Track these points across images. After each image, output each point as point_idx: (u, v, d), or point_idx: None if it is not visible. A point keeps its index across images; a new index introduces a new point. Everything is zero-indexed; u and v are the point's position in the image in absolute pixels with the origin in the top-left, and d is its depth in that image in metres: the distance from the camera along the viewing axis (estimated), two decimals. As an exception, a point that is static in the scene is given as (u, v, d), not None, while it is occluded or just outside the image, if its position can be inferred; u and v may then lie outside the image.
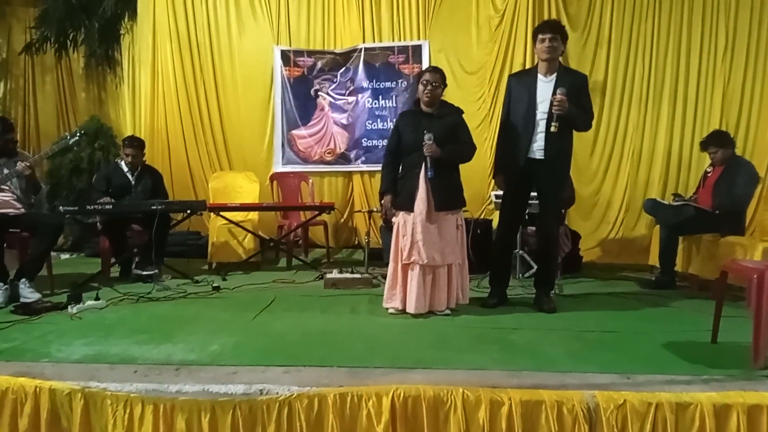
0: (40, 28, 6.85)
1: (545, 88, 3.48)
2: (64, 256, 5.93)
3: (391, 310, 3.49)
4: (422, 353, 2.67)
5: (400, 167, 3.60)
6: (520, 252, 4.55)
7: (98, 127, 6.41)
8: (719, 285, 2.85)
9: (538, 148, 3.52)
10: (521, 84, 3.61)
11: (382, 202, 3.69)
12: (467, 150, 3.57)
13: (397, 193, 3.56)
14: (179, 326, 3.12)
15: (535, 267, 4.45)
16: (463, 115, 3.61)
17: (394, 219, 3.62)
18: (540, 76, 3.53)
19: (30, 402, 2.23)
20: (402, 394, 2.18)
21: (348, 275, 4.32)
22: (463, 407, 2.16)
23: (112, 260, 4.65)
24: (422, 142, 3.37)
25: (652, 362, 2.57)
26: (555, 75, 3.49)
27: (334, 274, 4.33)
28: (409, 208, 3.45)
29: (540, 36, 3.48)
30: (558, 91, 3.35)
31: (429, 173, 3.39)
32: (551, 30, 3.46)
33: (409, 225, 3.43)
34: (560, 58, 3.62)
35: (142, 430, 2.20)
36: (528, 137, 3.52)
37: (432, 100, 3.50)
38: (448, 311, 3.45)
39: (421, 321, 3.32)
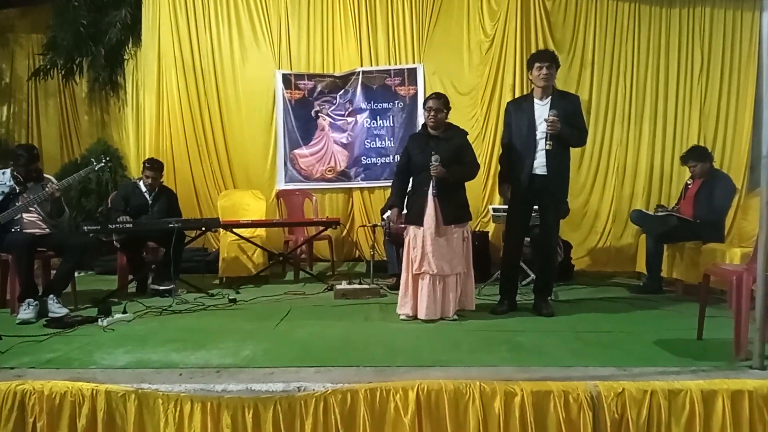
0: (48, 55, 7.06)
1: (542, 110, 3.83)
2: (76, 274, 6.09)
3: (402, 317, 3.75)
4: (438, 354, 2.93)
5: (410, 185, 3.93)
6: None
7: (105, 148, 6.63)
8: (703, 287, 3.15)
9: (539, 164, 3.85)
10: (519, 109, 3.96)
11: (388, 214, 3.99)
12: (471, 169, 3.90)
13: (404, 208, 3.88)
14: (208, 336, 3.35)
15: (532, 275, 4.75)
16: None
17: (404, 233, 3.90)
18: (536, 101, 3.89)
19: (87, 404, 2.44)
20: (426, 388, 2.43)
21: (357, 286, 4.58)
22: (481, 398, 2.42)
23: (130, 277, 4.85)
24: (429, 163, 3.67)
25: (646, 357, 2.86)
26: (549, 98, 3.83)
27: (344, 285, 4.58)
28: (419, 222, 3.74)
29: (537, 64, 3.81)
30: (550, 113, 3.70)
31: (434, 191, 3.69)
32: (549, 59, 3.82)
33: (419, 238, 3.72)
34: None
35: (192, 426, 2.42)
36: (531, 155, 3.85)
37: (436, 124, 3.82)
38: (455, 317, 3.72)
39: (433, 326, 3.58)
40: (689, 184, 4.87)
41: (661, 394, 2.41)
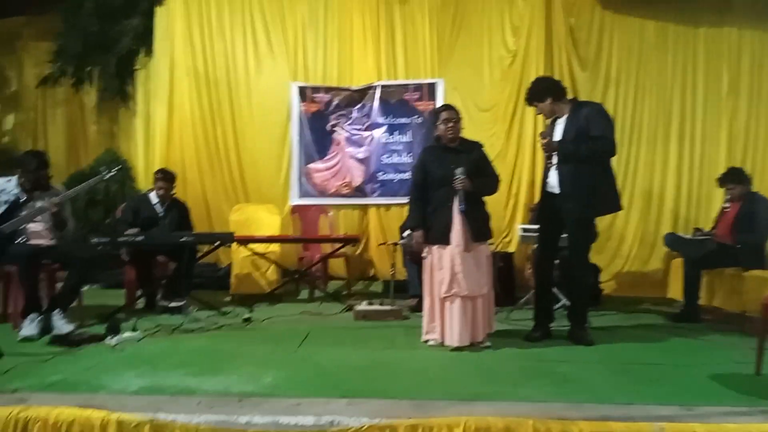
0: (57, 63, 6.91)
1: (559, 129, 3.69)
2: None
3: (431, 342, 3.51)
4: (478, 386, 2.69)
5: (429, 201, 3.64)
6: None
7: (114, 159, 6.43)
8: (763, 318, 2.92)
9: (552, 182, 3.68)
10: (547, 132, 3.80)
11: (413, 236, 3.71)
12: (494, 182, 3.70)
13: (428, 227, 3.60)
14: (225, 359, 3.11)
15: (563, 299, 4.51)
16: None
17: (424, 253, 3.66)
18: (558, 120, 3.75)
19: (96, 435, 2.21)
20: (473, 426, 2.19)
21: (378, 307, 4.34)
22: (534, 438, 2.18)
23: (138, 292, 4.62)
24: (451, 176, 3.45)
25: (705, 394, 2.61)
26: (566, 115, 3.67)
27: (364, 306, 4.34)
28: (444, 241, 3.49)
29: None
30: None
31: (461, 207, 3.46)
32: (527, 102, 3.82)
33: (447, 258, 3.47)
34: (572, 95, 3.94)
35: (212, 462, 2.18)
36: (547, 173, 3.72)
37: (455, 136, 3.61)
38: (488, 343, 3.48)
39: (464, 354, 3.33)
40: (726, 208, 4.65)
41: (735, 438, 2.17)
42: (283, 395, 2.51)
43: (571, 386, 2.72)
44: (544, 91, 3.72)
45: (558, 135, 3.67)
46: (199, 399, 2.44)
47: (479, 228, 3.53)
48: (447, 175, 3.48)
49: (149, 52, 6.85)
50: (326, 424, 2.22)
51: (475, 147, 3.70)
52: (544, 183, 3.79)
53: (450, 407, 2.38)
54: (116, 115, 7.31)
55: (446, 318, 3.47)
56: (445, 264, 3.48)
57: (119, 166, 4.75)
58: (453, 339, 3.39)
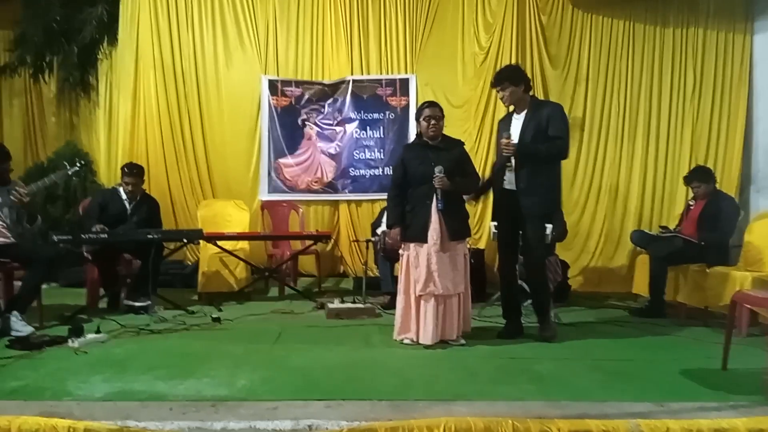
0: (16, 51, 6.61)
1: (516, 125, 3.69)
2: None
3: (406, 341, 3.49)
4: (456, 386, 2.69)
5: (408, 199, 3.61)
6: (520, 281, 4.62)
7: (75, 152, 6.18)
8: (730, 314, 2.99)
9: (509, 180, 3.69)
10: (503, 124, 3.83)
11: (383, 229, 3.71)
12: (474, 181, 3.71)
13: (406, 225, 3.58)
14: (195, 360, 3.03)
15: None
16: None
17: (401, 251, 3.63)
18: (514, 115, 3.75)
19: (63, 444, 2.11)
20: (453, 427, 2.18)
21: (350, 305, 4.30)
22: (514, 438, 2.18)
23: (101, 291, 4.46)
24: (430, 174, 3.44)
25: (677, 390, 2.67)
26: (525, 112, 3.68)
27: (337, 305, 4.29)
28: (421, 239, 3.48)
29: (494, 89, 3.78)
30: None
31: (439, 205, 3.44)
32: (496, 83, 3.71)
33: (423, 256, 3.46)
34: (535, 94, 3.95)
35: (186, 470, 2.11)
36: (503, 170, 3.70)
37: (437, 133, 3.59)
38: (463, 341, 3.48)
39: (441, 352, 3.33)
40: (691, 205, 4.76)
41: (708, 434, 2.21)
42: (259, 399, 2.46)
43: (547, 384, 2.74)
44: (521, 77, 3.70)
45: (515, 131, 3.66)
46: (171, 405, 2.36)
47: (457, 227, 3.52)
48: (427, 173, 3.46)
49: (113, 41, 6.61)
50: (304, 429, 2.17)
51: (457, 145, 3.69)
52: (500, 181, 3.74)
53: (430, 408, 2.37)
54: (77, 107, 7.02)
55: (421, 316, 3.46)
56: (422, 262, 3.46)
57: (83, 162, 4.53)
58: (426, 337, 3.39)
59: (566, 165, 6.27)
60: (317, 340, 3.58)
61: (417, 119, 3.68)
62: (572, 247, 6.21)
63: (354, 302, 4.37)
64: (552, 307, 4.52)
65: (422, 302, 3.46)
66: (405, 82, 6.33)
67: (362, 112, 6.36)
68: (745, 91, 6.14)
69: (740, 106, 6.15)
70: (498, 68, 6.06)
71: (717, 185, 4.81)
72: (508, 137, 3.59)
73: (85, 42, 6.53)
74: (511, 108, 3.79)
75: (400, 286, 3.59)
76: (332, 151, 6.38)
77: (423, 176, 3.49)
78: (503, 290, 3.90)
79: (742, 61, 6.17)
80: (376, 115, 6.37)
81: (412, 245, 3.53)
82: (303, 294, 5.10)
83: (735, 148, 6.15)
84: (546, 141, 3.59)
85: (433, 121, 3.55)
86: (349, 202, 6.42)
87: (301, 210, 6.02)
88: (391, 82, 6.34)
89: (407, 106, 6.31)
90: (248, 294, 5.07)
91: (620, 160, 6.29)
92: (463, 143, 3.75)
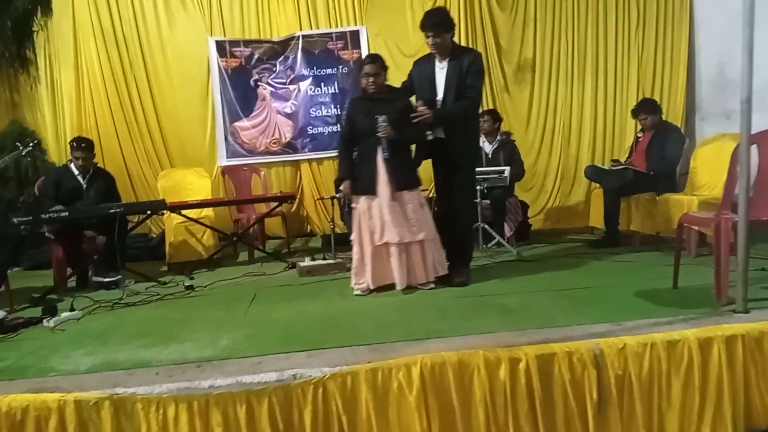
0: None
1: (441, 73, 3.68)
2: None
3: (357, 291, 3.59)
4: (431, 325, 2.82)
5: (356, 153, 3.69)
6: (481, 224, 4.78)
7: (21, 131, 5.95)
8: (678, 236, 3.20)
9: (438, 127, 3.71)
10: (422, 70, 3.78)
11: (341, 188, 3.78)
12: (418, 131, 3.68)
13: (355, 178, 3.65)
14: (176, 327, 3.07)
15: (497, 237, 4.74)
16: None
17: (354, 204, 3.71)
18: (437, 63, 3.72)
19: (55, 417, 2.16)
20: (429, 363, 2.32)
21: (321, 262, 4.38)
22: (486, 368, 2.33)
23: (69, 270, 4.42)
24: (375, 127, 3.48)
25: (633, 310, 2.86)
26: (447, 59, 3.66)
27: (307, 263, 4.37)
28: (371, 191, 3.55)
29: (424, 33, 3.64)
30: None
31: (385, 154, 3.50)
32: (430, 29, 3.59)
33: (375, 208, 3.53)
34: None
35: (178, 429, 2.20)
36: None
37: (377, 89, 3.61)
38: (432, 284, 3.61)
39: (414, 297, 3.46)
40: (640, 137, 4.96)
41: (661, 346, 2.40)
42: (243, 355, 2.54)
43: (515, 315, 2.91)
44: (452, 23, 3.64)
45: (440, 84, 3.65)
46: (157, 369, 2.42)
47: (404, 176, 3.58)
48: (372, 126, 3.50)
49: (48, 11, 6.30)
50: (289, 378, 2.27)
51: (402, 96, 3.72)
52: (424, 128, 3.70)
53: (407, 348, 2.49)
54: (16, 84, 6.70)
55: (387, 264, 3.56)
56: (375, 213, 3.54)
57: (36, 140, 4.40)
58: (400, 283, 3.52)
59: (520, 107, 6.48)
60: (293, 297, 3.67)
61: (358, 70, 3.70)
62: (531, 187, 6.42)
63: (324, 259, 4.45)
64: (514, 245, 4.76)
65: (383, 251, 3.55)
66: (355, 35, 6.28)
67: (315, 68, 6.30)
68: (686, 22, 6.34)
69: (683, 36, 6.35)
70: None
71: (663, 116, 5.00)
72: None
73: (18, 14, 6.20)
74: (436, 55, 3.69)
75: (354, 237, 3.67)
76: (288, 110, 6.33)
77: (369, 129, 3.53)
78: (445, 238, 3.81)
79: (683, -9, 6.33)
80: (329, 71, 6.32)
81: (362, 198, 3.60)
82: (273, 255, 5.16)
83: (679, 79, 6.38)
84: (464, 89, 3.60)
85: (371, 78, 3.56)
86: (310, 161, 6.43)
87: (262, 173, 6.00)
88: (341, 36, 6.28)
89: (360, 59, 6.26)
90: (218, 260, 5.09)
91: (571, 98, 6.46)
92: (407, 95, 3.77)
